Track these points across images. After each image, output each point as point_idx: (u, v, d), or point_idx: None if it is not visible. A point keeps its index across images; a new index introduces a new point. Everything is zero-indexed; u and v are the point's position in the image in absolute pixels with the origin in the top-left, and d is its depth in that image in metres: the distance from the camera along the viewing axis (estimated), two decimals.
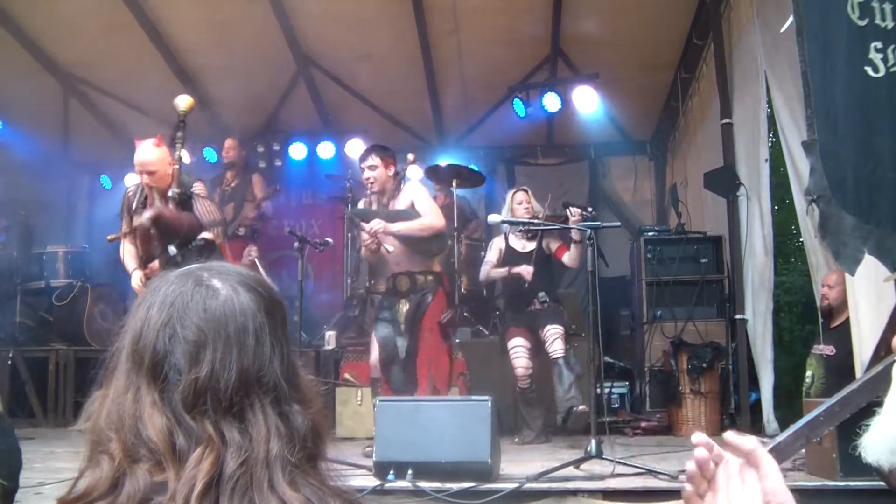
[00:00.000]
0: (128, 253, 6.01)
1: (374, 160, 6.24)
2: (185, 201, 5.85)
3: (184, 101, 6.06)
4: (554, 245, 7.04)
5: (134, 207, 6.00)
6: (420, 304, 6.22)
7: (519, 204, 7.13)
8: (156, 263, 5.79)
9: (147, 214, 5.68)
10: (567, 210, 6.42)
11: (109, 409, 1.24)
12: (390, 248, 6.13)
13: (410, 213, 6.17)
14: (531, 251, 7.04)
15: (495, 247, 7.33)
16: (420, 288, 6.26)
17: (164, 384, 1.22)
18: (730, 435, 1.19)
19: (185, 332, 1.24)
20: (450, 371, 6.52)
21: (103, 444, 1.22)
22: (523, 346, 6.76)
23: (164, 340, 1.23)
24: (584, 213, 6.32)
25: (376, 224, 6.05)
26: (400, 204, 6.25)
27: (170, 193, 5.80)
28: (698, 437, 1.15)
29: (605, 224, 5.99)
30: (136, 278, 5.82)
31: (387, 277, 6.48)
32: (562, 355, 6.52)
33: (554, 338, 6.55)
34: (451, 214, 9.39)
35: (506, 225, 7.01)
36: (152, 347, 1.23)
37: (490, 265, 7.21)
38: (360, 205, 6.62)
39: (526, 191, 7.27)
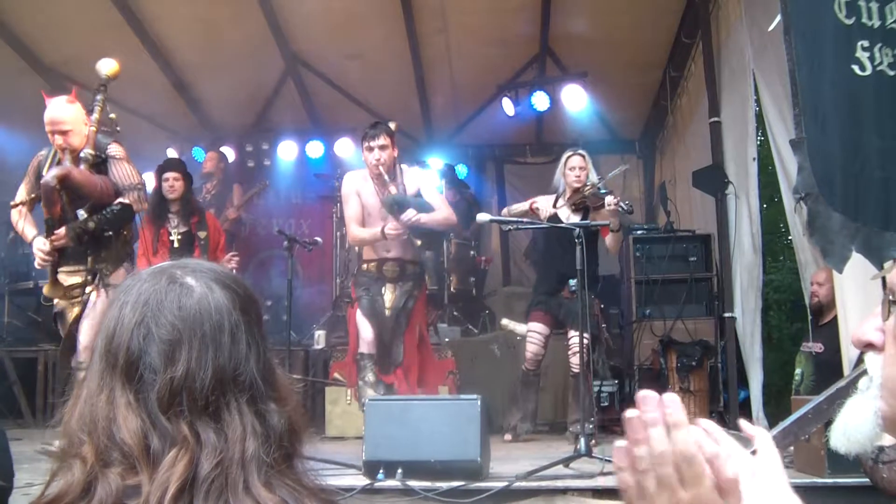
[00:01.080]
0: (26, 220, 5.55)
1: (385, 140, 5.94)
2: (99, 164, 5.35)
3: (107, 66, 5.49)
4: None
5: (44, 173, 5.30)
6: (409, 296, 6.06)
7: (571, 170, 6.63)
8: (62, 231, 5.24)
9: (52, 172, 5.09)
10: (606, 196, 6.21)
11: (82, 410, 1.22)
12: (419, 242, 6.04)
13: (428, 204, 5.99)
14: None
15: (544, 202, 6.74)
16: (408, 277, 6.10)
17: (140, 385, 1.20)
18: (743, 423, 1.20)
19: (160, 331, 1.22)
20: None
21: (75, 447, 1.20)
22: (540, 333, 6.54)
23: (139, 340, 1.22)
24: (620, 205, 6.09)
25: (412, 215, 5.83)
26: (407, 189, 6.07)
27: (81, 154, 5.26)
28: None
29: (593, 223, 6.00)
30: (39, 244, 5.32)
31: (372, 261, 6.21)
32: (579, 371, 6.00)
33: (577, 348, 6.03)
34: (466, 213, 9.45)
35: (561, 187, 6.67)
36: (126, 347, 1.21)
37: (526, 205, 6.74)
38: (352, 182, 6.22)
39: (583, 155, 6.74)
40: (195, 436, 1.17)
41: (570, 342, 6.36)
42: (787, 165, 6.16)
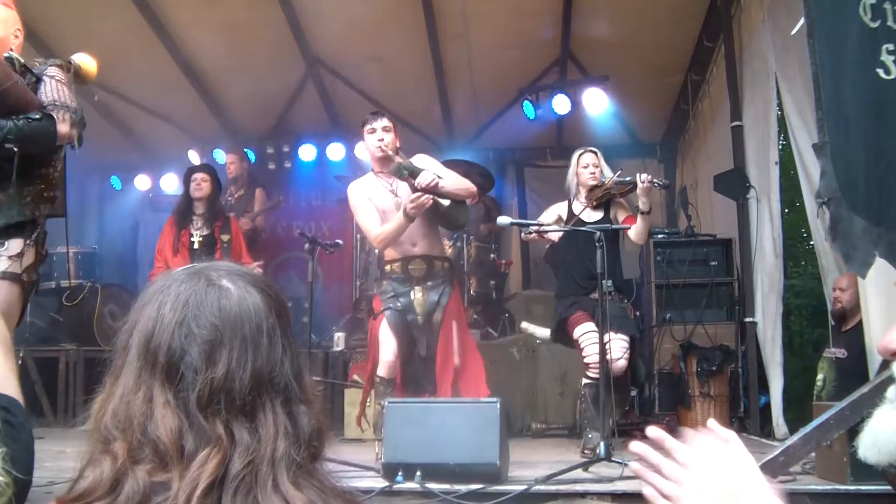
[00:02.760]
0: None
1: (388, 122, 5.61)
2: (24, 74, 4.17)
3: (87, 62, 4.53)
4: (622, 216, 6.22)
5: None
6: (440, 297, 5.52)
7: (585, 168, 6.29)
8: None
9: None
10: (637, 175, 5.91)
11: (116, 408, 1.23)
12: (446, 203, 5.45)
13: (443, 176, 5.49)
14: (597, 221, 6.03)
15: (553, 212, 6.40)
16: (437, 276, 5.57)
17: (180, 384, 1.22)
18: (711, 423, 1.25)
19: (201, 332, 1.24)
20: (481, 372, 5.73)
21: (107, 443, 1.21)
22: (595, 332, 5.69)
23: (180, 339, 1.23)
24: (654, 182, 5.86)
25: (429, 177, 5.31)
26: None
27: (6, 54, 4.12)
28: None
29: (614, 226, 5.96)
30: None
31: (395, 260, 5.63)
32: (620, 376, 5.66)
33: (619, 354, 5.65)
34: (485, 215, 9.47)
35: (573, 189, 6.33)
36: (167, 347, 1.23)
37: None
38: (360, 189, 5.73)
39: (595, 153, 6.39)
40: (230, 435, 1.19)
41: (613, 345, 5.57)
42: (810, 170, 6.13)
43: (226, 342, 1.24)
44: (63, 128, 4.16)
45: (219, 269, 1.33)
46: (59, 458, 4.95)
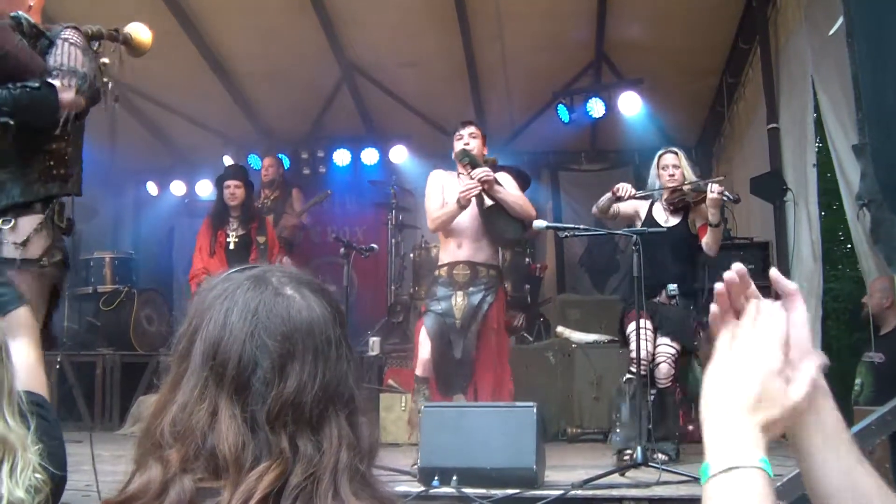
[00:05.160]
0: None
1: (475, 130, 5.84)
2: (34, 37, 3.72)
3: (142, 32, 4.32)
4: (699, 222, 5.95)
5: None
6: (481, 303, 5.63)
7: (664, 169, 6.10)
8: None
9: None
10: (709, 186, 5.68)
11: (176, 417, 1.20)
12: (489, 202, 5.61)
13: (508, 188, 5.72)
14: (674, 226, 5.97)
15: (630, 205, 6.14)
16: (480, 282, 5.69)
17: (249, 397, 1.19)
18: (774, 272, 1.27)
19: (273, 344, 1.21)
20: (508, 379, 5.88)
21: (161, 449, 1.19)
22: (651, 331, 5.61)
23: (252, 351, 1.20)
24: (725, 195, 5.63)
25: (483, 172, 5.54)
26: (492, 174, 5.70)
27: (12, 13, 3.66)
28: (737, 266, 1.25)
29: (650, 230, 5.89)
30: None
31: (444, 265, 5.82)
32: (666, 385, 5.63)
33: (663, 359, 5.60)
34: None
35: (657, 190, 6.11)
36: (238, 359, 1.20)
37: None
38: (438, 178, 5.95)
39: (676, 153, 6.20)
40: (293, 448, 1.17)
41: (658, 349, 5.65)
42: (848, 172, 6.06)
43: (297, 355, 1.21)
44: (67, 95, 3.67)
45: (279, 275, 1.30)
46: (97, 461, 4.98)
